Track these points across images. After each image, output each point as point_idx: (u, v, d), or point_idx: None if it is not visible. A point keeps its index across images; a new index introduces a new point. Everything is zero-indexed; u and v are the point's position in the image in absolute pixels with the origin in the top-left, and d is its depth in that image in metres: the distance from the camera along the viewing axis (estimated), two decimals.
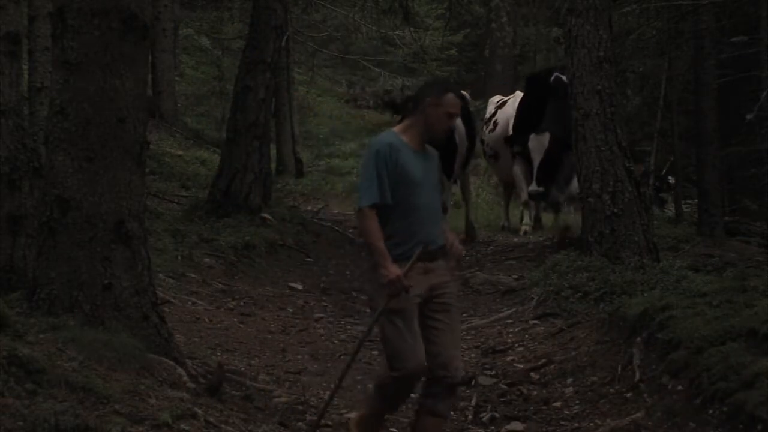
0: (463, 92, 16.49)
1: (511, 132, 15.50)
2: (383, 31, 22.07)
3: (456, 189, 16.84)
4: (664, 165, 19.52)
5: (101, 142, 6.79)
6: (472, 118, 15.81)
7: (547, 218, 16.80)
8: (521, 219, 16.03)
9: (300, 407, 7.58)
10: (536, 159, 14.07)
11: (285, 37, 14.56)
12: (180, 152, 19.24)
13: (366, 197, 5.86)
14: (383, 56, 24.21)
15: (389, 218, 5.91)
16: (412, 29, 20.39)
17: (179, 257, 11.54)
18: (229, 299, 10.81)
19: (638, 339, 7.93)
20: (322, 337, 9.80)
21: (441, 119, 5.93)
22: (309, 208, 17.31)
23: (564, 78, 13.22)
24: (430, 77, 6.66)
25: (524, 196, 15.42)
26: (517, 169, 15.36)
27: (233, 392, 7.24)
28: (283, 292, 11.51)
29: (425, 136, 5.99)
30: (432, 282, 5.98)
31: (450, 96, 5.94)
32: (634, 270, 10.20)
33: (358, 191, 5.97)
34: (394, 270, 5.83)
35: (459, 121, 14.96)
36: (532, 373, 8.39)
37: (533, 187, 14.17)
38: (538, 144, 14.08)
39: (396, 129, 6.08)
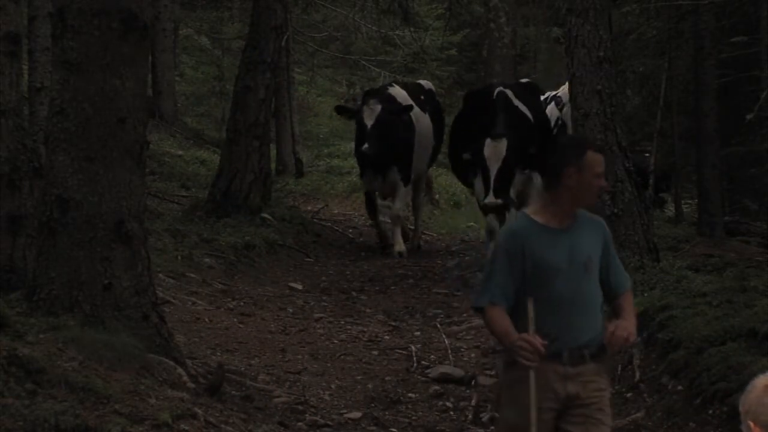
0: (430, 84, 15.81)
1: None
2: (383, 31, 22.06)
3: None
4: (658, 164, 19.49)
5: (101, 142, 6.79)
6: (440, 112, 15.31)
7: None
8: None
9: (300, 407, 7.58)
10: (493, 167, 12.37)
11: (285, 37, 14.56)
12: (180, 152, 19.23)
13: (481, 296, 4.95)
14: (383, 56, 24.19)
15: (525, 314, 4.84)
16: (412, 29, 20.39)
17: (179, 257, 11.53)
18: (229, 299, 10.81)
19: (638, 339, 7.93)
20: (322, 337, 9.80)
21: (589, 185, 4.90)
22: (309, 208, 17.29)
23: (507, 92, 13.04)
24: (567, 141, 5.21)
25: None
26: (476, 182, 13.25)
27: (233, 392, 7.24)
28: (283, 292, 11.51)
29: (573, 209, 4.97)
30: (570, 391, 4.83)
31: (589, 154, 4.94)
32: (634, 270, 10.19)
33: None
34: (519, 335, 4.78)
35: (424, 117, 14.51)
36: None
37: (490, 198, 12.36)
38: (495, 151, 12.40)
39: (530, 209, 5.10)
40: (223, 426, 6.25)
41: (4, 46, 8.06)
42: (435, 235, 16.77)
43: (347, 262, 13.86)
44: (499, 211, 12.92)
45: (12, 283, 7.74)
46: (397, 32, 21.84)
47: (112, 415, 5.64)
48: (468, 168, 12.90)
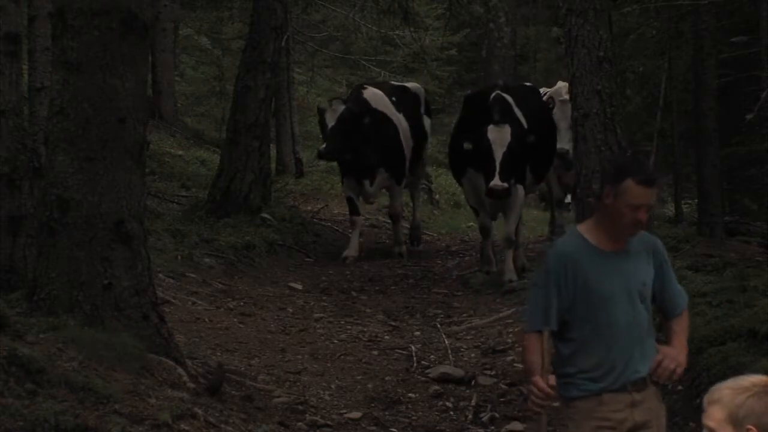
0: (416, 85, 15.34)
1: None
2: (383, 31, 22.05)
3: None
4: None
5: (101, 142, 6.79)
6: (420, 114, 14.72)
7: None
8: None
9: (300, 407, 7.58)
10: (498, 151, 11.99)
11: (285, 37, 14.56)
12: (180, 152, 19.23)
13: (528, 322, 4.66)
14: (383, 56, 24.18)
15: (577, 344, 4.63)
16: (412, 29, 20.37)
17: (179, 257, 11.53)
18: (229, 299, 10.81)
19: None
20: (322, 337, 9.79)
21: (621, 214, 4.52)
22: (309, 208, 17.29)
23: (506, 96, 12.64)
24: (621, 160, 4.76)
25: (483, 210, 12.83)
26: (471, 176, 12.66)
27: (233, 392, 7.24)
28: (283, 292, 11.51)
29: (616, 233, 4.62)
30: (637, 419, 4.63)
31: (628, 183, 4.49)
32: None
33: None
34: (538, 380, 4.55)
35: (398, 117, 14.06)
36: None
37: (496, 181, 11.88)
38: (499, 135, 12.09)
39: (582, 226, 4.75)
40: (223, 426, 6.25)
41: (4, 46, 8.07)
42: (435, 235, 16.78)
43: (347, 262, 13.86)
44: (497, 210, 12.74)
45: (12, 283, 7.75)
46: (397, 32, 21.83)
47: (112, 415, 5.64)
48: (467, 163, 12.58)
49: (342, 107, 13.38)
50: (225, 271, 11.92)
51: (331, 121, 13.35)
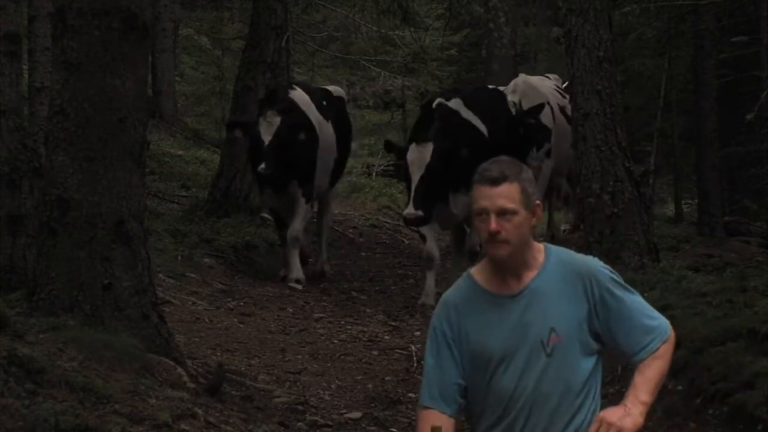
0: (337, 89, 13.71)
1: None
2: (383, 31, 22.05)
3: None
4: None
5: (101, 142, 6.79)
6: (345, 122, 13.10)
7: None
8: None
9: (300, 407, 7.58)
10: (415, 174, 10.78)
11: (285, 37, 14.53)
12: (180, 152, 19.23)
13: (421, 395, 3.72)
14: (383, 56, 24.18)
15: (477, 423, 3.69)
16: (412, 29, 20.37)
17: (179, 257, 11.53)
18: (229, 299, 10.81)
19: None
20: (322, 337, 9.79)
21: (479, 230, 3.61)
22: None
23: (448, 104, 11.37)
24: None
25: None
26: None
27: (233, 392, 7.24)
28: (283, 292, 11.50)
29: (497, 265, 3.63)
30: None
31: (474, 187, 3.59)
32: (635, 270, 10.20)
33: None
34: None
35: (327, 126, 12.45)
36: None
37: (409, 209, 10.68)
38: (417, 156, 10.84)
39: (476, 267, 3.73)
40: (223, 426, 6.25)
41: (4, 46, 8.07)
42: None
43: (347, 262, 13.86)
44: (457, 235, 11.72)
45: (12, 283, 7.75)
46: (397, 32, 21.83)
47: (112, 415, 5.64)
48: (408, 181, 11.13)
49: (278, 119, 11.57)
50: (225, 271, 11.92)
51: (267, 136, 11.51)
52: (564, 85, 14.47)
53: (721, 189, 16.81)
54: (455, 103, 11.51)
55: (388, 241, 15.43)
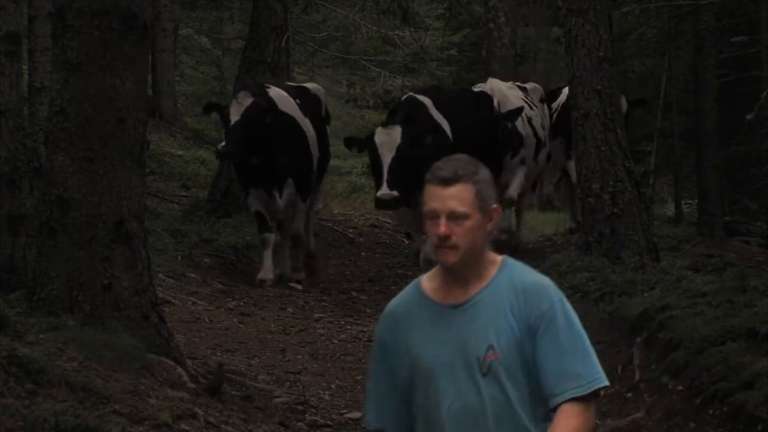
0: (315, 86, 13.46)
1: None
2: (383, 31, 22.06)
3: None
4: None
5: (101, 142, 6.79)
6: (321, 121, 12.70)
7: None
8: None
9: (300, 407, 7.58)
10: (386, 156, 10.63)
11: (285, 37, 14.54)
12: (180, 152, 19.23)
13: (366, 416, 3.69)
14: (383, 56, 24.19)
15: None
16: (412, 29, 20.38)
17: (179, 257, 11.53)
18: (229, 299, 10.82)
19: (638, 339, 7.93)
20: (322, 337, 9.79)
21: (428, 231, 3.35)
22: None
23: (418, 96, 11.44)
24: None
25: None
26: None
27: (233, 392, 7.24)
28: (283, 292, 11.50)
29: (445, 271, 3.39)
30: None
31: (426, 187, 3.34)
32: (634, 270, 10.20)
33: None
34: None
35: (305, 122, 12.09)
36: None
37: (383, 190, 10.48)
38: (387, 138, 10.71)
39: (427, 274, 3.48)
40: (223, 426, 6.25)
41: (4, 46, 8.08)
42: None
43: (347, 262, 13.86)
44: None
45: (12, 283, 7.75)
46: (397, 32, 21.84)
47: (112, 415, 5.64)
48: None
49: (249, 100, 11.18)
50: (225, 271, 11.92)
51: (235, 116, 11.13)
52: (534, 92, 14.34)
53: (721, 189, 16.80)
54: (424, 99, 11.51)
55: (388, 241, 15.44)
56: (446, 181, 3.28)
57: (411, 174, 10.17)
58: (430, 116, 11.39)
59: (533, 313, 3.29)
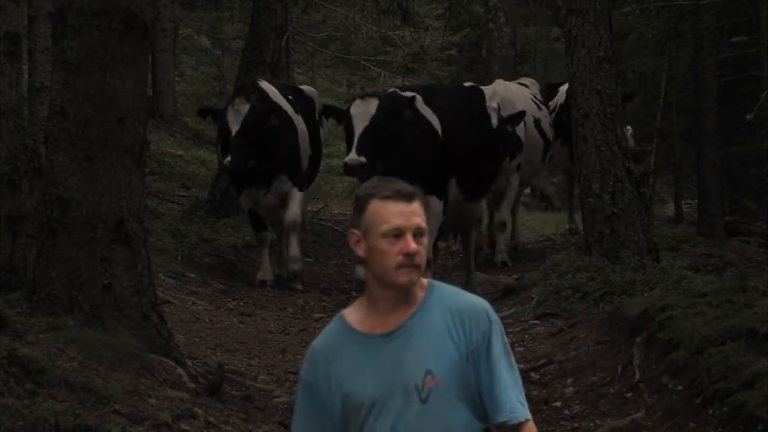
0: (310, 89, 13.28)
1: None
2: (383, 31, 22.06)
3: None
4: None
5: (101, 142, 6.79)
6: (314, 119, 12.55)
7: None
8: None
9: None
10: (359, 126, 10.54)
11: (285, 37, 14.54)
12: (180, 152, 19.24)
13: None
14: (383, 56, 24.19)
15: None
16: (412, 29, 20.38)
17: (179, 257, 11.54)
18: (229, 299, 10.82)
19: (638, 339, 7.92)
20: None
21: (384, 253, 3.15)
22: (309, 208, 17.29)
23: (400, 92, 11.26)
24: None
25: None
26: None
27: (233, 392, 7.25)
28: (283, 292, 11.51)
29: (391, 299, 3.20)
30: None
31: (374, 206, 3.17)
32: (634, 270, 10.20)
33: None
34: None
35: (298, 119, 12.04)
36: (532, 373, 8.38)
37: (351, 155, 10.42)
38: (362, 109, 10.65)
39: (350, 307, 3.32)
40: (223, 426, 6.25)
41: (4, 46, 8.08)
42: None
43: (347, 262, 13.86)
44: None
45: (12, 283, 7.75)
46: (397, 32, 21.84)
47: (112, 415, 5.64)
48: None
49: (246, 107, 11.11)
50: (225, 271, 11.92)
51: (234, 125, 11.06)
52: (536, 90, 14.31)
53: (721, 189, 16.80)
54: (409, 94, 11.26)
55: None
56: (409, 197, 3.15)
57: (383, 148, 10.40)
58: (417, 111, 11.14)
59: (473, 336, 3.18)
